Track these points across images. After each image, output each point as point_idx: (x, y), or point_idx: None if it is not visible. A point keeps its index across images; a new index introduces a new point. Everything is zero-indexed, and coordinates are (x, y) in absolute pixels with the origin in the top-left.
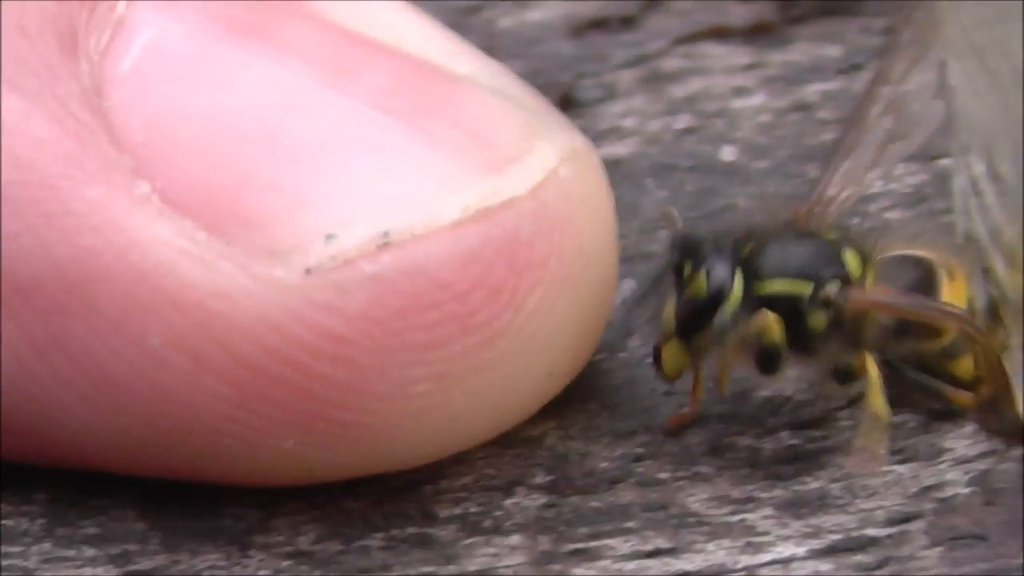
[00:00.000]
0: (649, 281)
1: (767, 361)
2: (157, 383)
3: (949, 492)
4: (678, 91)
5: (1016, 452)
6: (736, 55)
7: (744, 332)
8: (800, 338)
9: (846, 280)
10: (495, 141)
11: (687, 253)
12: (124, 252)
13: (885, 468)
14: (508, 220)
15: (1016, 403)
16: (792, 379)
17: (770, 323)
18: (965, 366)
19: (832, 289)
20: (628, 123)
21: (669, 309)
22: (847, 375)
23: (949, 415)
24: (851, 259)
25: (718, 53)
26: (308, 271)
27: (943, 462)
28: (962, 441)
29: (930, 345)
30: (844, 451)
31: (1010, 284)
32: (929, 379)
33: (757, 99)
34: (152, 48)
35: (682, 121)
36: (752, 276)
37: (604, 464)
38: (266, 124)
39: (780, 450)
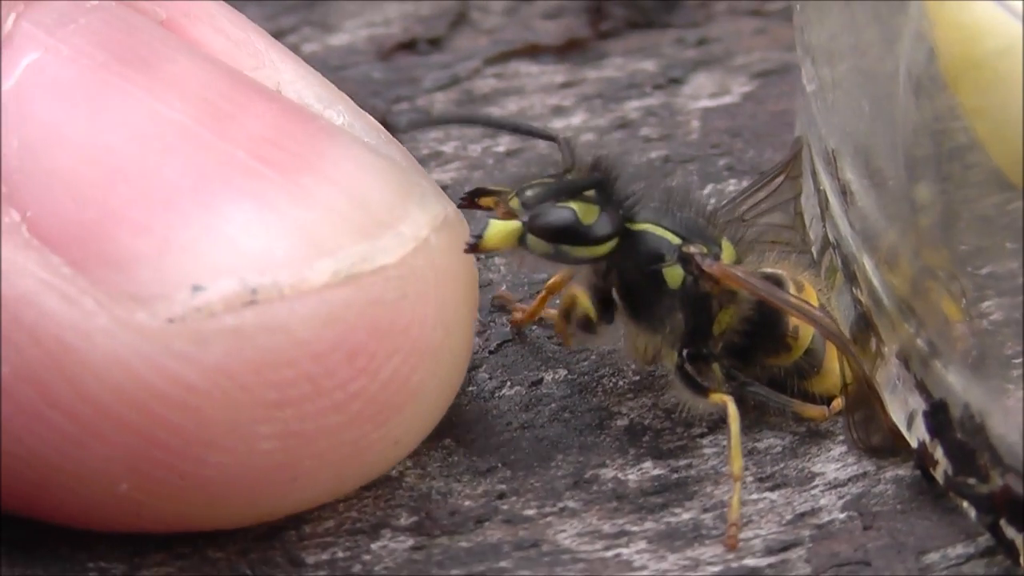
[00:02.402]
0: (582, 183)
1: (584, 326)
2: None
3: (825, 518)
4: (495, 112)
5: (889, 474)
6: (550, 73)
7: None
8: (651, 297)
9: (715, 257)
10: (369, 204)
11: (601, 170)
12: None
13: (755, 496)
14: (374, 286)
15: (885, 414)
16: (648, 407)
17: (576, 297)
18: (821, 384)
19: (697, 248)
20: (448, 148)
21: (538, 191)
22: (696, 383)
23: (814, 437)
24: (727, 247)
25: (531, 72)
26: (171, 320)
27: (815, 487)
28: (831, 465)
29: (780, 360)
30: (711, 479)
31: (890, 286)
32: (780, 396)
33: (577, 118)
34: (36, 70)
35: (503, 144)
36: (629, 217)
37: (468, 503)
38: (141, 162)
39: (645, 481)
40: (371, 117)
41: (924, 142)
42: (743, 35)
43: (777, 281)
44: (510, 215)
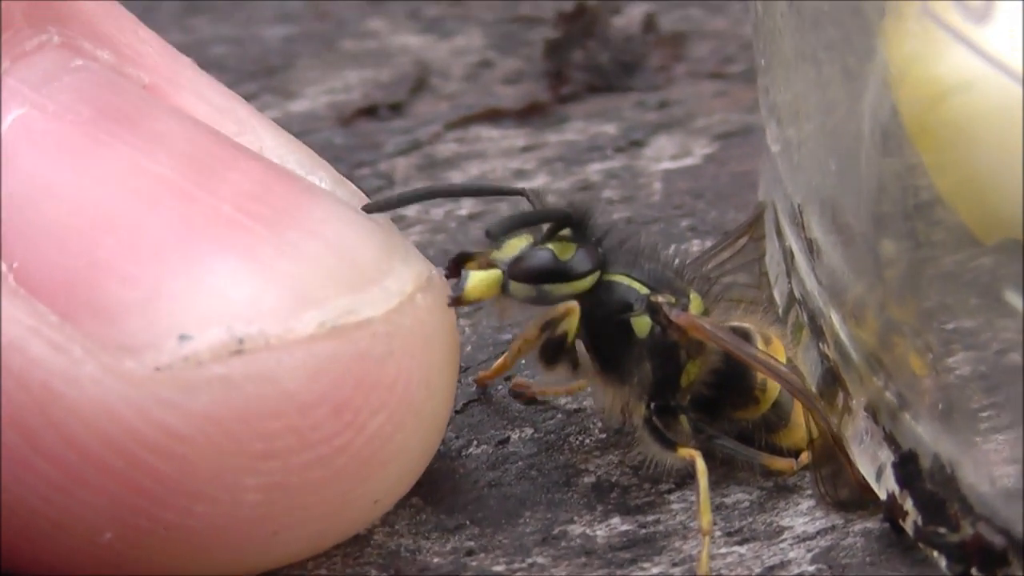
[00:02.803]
0: (545, 213)
1: (552, 350)
2: None
3: (795, 571)
4: (456, 176)
5: (858, 527)
6: (511, 137)
7: (548, 316)
8: (620, 347)
9: (683, 308)
10: (354, 259)
11: (577, 224)
12: None
13: (724, 550)
14: (361, 339)
15: (853, 468)
16: (615, 464)
17: (571, 310)
18: (789, 437)
19: (665, 299)
20: (410, 212)
21: (515, 243)
22: (664, 437)
23: (782, 492)
24: (695, 299)
25: (492, 136)
26: (158, 368)
27: (783, 540)
28: (799, 518)
29: (748, 414)
30: (680, 534)
31: (856, 341)
32: (747, 449)
33: (539, 180)
34: (22, 125)
35: (466, 207)
36: (606, 267)
37: (437, 559)
38: (128, 214)
39: (614, 536)
40: (352, 184)
41: (889, 199)
42: (704, 97)
43: (745, 335)
44: (489, 265)
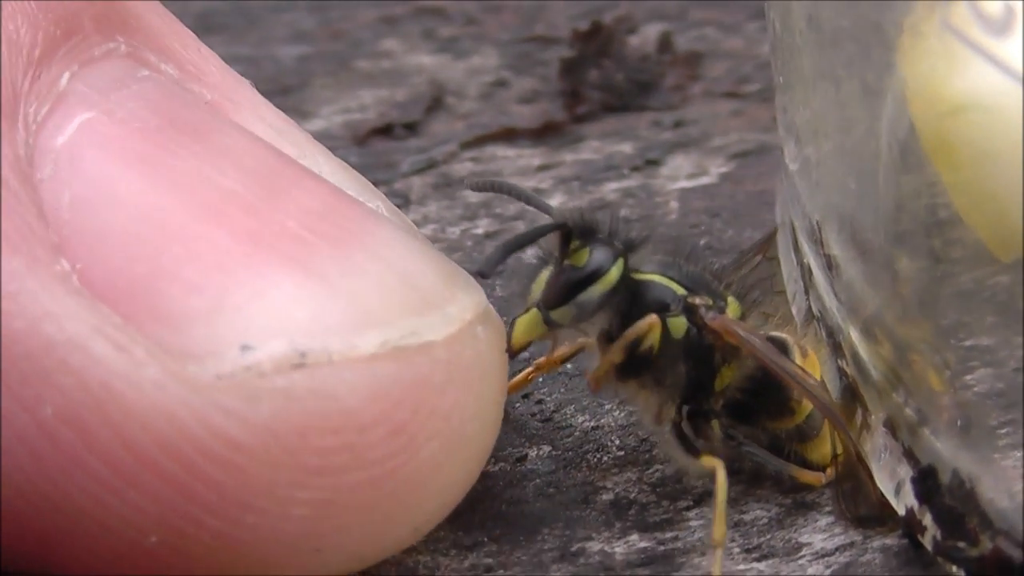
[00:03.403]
0: (535, 231)
1: (633, 365)
2: (38, 452)
3: None
4: (472, 195)
5: (876, 543)
6: (527, 156)
7: (632, 334)
8: (655, 350)
9: (719, 311)
10: (417, 283)
11: (579, 230)
12: (38, 321)
13: (743, 567)
14: (423, 364)
15: (873, 485)
16: (634, 481)
17: (654, 325)
18: (817, 450)
19: (702, 300)
20: (427, 231)
21: (541, 279)
22: (689, 443)
23: (801, 508)
24: (732, 303)
25: (508, 155)
26: (220, 376)
27: (802, 557)
28: (818, 535)
29: (782, 424)
30: (698, 551)
31: (871, 359)
32: (777, 459)
33: (555, 199)
34: (89, 128)
35: (482, 226)
36: (633, 268)
37: None
38: (194, 224)
39: (632, 553)
40: (405, 216)
41: (907, 216)
42: (720, 117)
43: (782, 345)
44: (527, 309)
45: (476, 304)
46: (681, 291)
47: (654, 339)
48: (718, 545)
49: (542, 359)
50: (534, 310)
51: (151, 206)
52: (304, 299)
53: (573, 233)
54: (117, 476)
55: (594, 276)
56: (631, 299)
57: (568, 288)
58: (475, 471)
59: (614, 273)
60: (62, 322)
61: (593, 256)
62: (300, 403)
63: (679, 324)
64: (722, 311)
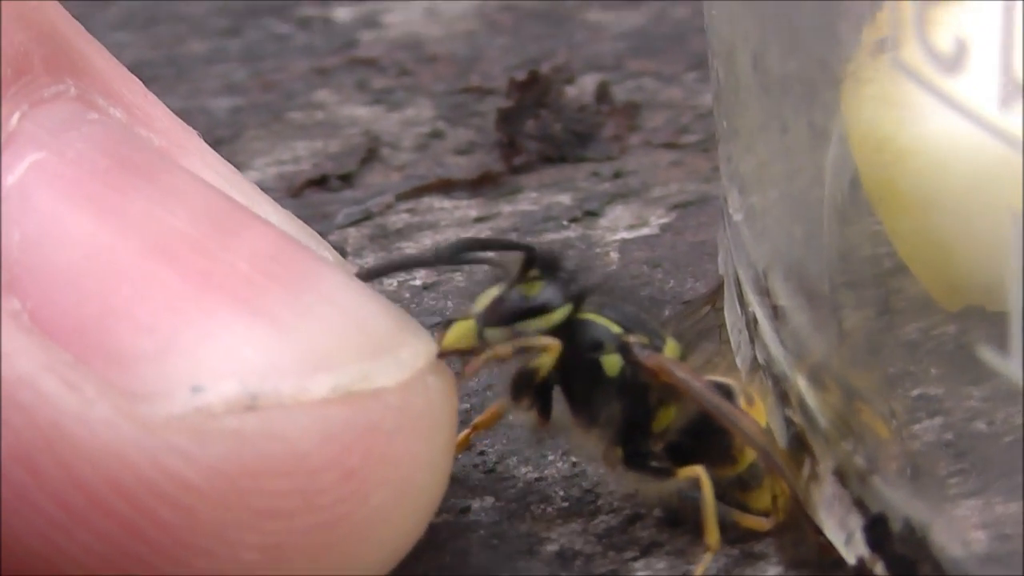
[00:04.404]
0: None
1: (520, 384)
2: None
3: None
4: (409, 248)
5: None
6: (463, 208)
7: (525, 343)
8: (589, 387)
9: (656, 350)
10: (369, 327)
11: (542, 261)
12: None
13: None
14: (374, 409)
15: (815, 533)
16: (579, 532)
17: (551, 347)
18: (760, 499)
19: (637, 339)
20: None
21: (490, 292)
22: (655, 468)
23: (748, 559)
24: (671, 344)
25: (444, 206)
26: (170, 417)
27: None
28: None
29: (724, 472)
30: None
31: (819, 407)
32: (720, 504)
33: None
34: (40, 168)
35: (420, 277)
36: (579, 306)
37: None
38: (144, 264)
39: None
40: (352, 265)
41: (852, 266)
42: (659, 167)
43: (727, 391)
44: (466, 315)
45: (428, 352)
46: (617, 329)
47: (544, 362)
48: (712, 550)
49: (479, 418)
50: (472, 321)
51: (101, 246)
52: (255, 341)
53: (535, 262)
54: (67, 515)
55: (538, 311)
56: (568, 337)
57: (510, 314)
58: (424, 520)
59: (558, 315)
60: (12, 360)
61: (544, 292)
62: (251, 445)
63: (614, 362)
64: (659, 350)
